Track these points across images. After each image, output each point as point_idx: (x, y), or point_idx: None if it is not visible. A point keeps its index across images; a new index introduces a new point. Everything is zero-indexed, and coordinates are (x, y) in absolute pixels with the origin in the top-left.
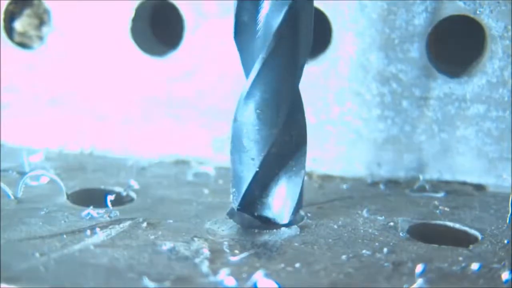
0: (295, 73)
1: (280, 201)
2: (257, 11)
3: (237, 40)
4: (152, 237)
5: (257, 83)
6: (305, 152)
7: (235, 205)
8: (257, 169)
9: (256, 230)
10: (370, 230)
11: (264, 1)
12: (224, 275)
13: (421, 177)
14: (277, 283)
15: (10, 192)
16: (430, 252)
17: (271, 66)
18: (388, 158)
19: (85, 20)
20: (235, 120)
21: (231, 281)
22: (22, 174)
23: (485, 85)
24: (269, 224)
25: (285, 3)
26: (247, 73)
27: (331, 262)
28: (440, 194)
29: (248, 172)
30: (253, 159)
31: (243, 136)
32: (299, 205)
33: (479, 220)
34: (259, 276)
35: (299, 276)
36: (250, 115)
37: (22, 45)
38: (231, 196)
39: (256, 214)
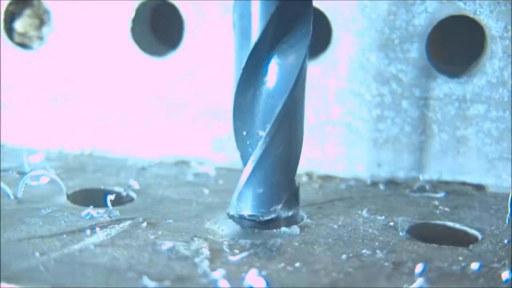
0: (294, 158)
1: None
2: (256, 96)
3: (235, 121)
4: (152, 236)
5: (257, 169)
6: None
7: None
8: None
9: (256, 230)
10: (370, 230)
11: (265, 87)
12: (219, 276)
13: (421, 177)
14: (266, 282)
15: (10, 192)
16: (430, 252)
17: (269, 155)
18: (388, 158)
19: (85, 21)
20: (233, 204)
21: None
22: (22, 174)
23: (485, 85)
24: (269, 224)
25: (286, 90)
26: (243, 157)
27: (331, 261)
28: (440, 194)
29: None
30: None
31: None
32: None
33: (479, 220)
34: (251, 274)
35: (299, 276)
36: (249, 199)
37: (22, 45)
38: None
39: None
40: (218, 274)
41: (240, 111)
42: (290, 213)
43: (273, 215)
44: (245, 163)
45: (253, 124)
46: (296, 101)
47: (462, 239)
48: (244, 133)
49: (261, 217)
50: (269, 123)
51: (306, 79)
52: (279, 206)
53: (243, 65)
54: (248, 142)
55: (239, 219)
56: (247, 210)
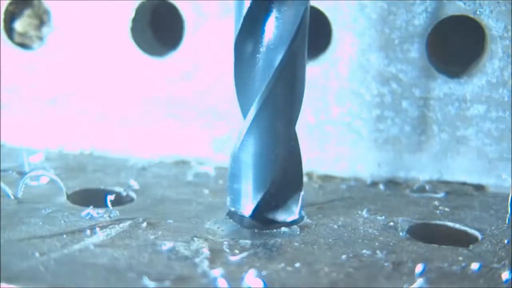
0: (293, 112)
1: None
2: (256, 50)
3: (236, 78)
4: (152, 237)
5: (255, 124)
6: (300, 195)
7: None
8: (257, 202)
9: (256, 230)
10: (370, 230)
11: (264, 41)
12: (218, 274)
13: (421, 177)
14: (264, 283)
15: (10, 192)
16: (430, 252)
17: (269, 107)
18: (388, 158)
19: (85, 21)
20: (233, 157)
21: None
22: (22, 174)
23: (485, 85)
24: (269, 224)
25: (285, 43)
26: (244, 112)
27: (331, 262)
28: (440, 194)
29: (246, 207)
30: (252, 193)
31: (242, 174)
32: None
33: (479, 220)
34: (250, 275)
35: (299, 276)
36: (249, 153)
37: (22, 45)
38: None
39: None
40: (218, 272)
41: (241, 64)
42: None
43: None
44: (245, 116)
45: (254, 77)
46: (296, 53)
47: (462, 239)
48: (245, 86)
49: None
50: (269, 75)
51: (307, 35)
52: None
53: (243, 17)
54: (249, 96)
55: (239, 219)
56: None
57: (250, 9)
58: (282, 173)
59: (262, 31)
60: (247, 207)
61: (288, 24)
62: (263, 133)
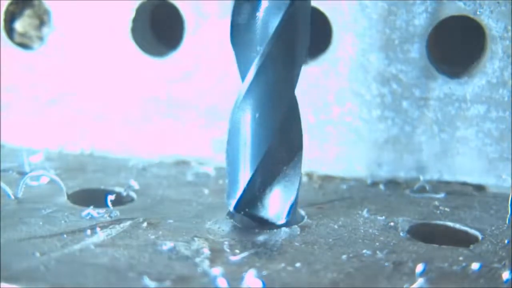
0: (292, 77)
1: (276, 201)
2: (254, 13)
3: (233, 43)
4: (153, 237)
5: (254, 85)
6: (301, 155)
7: (230, 205)
8: (253, 172)
9: (256, 230)
10: (370, 230)
11: (261, 4)
12: (218, 273)
13: (421, 177)
14: (263, 283)
15: (10, 192)
16: (430, 252)
17: (268, 69)
18: (388, 158)
19: (86, 21)
20: (231, 122)
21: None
22: (22, 174)
23: (485, 85)
24: (269, 224)
25: (282, 6)
26: (243, 75)
27: (332, 262)
28: (440, 195)
29: (244, 173)
30: (250, 159)
31: (239, 138)
32: (295, 206)
33: (479, 220)
34: (250, 275)
35: (299, 276)
36: (246, 117)
37: (23, 45)
38: (226, 196)
39: (251, 214)
40: (217, 271)
41: (238, 26)
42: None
43: None
44: (243, 78)
45: (252, 40)
46: (295, 14)
47: (462, 239)
48: (243, 50)
49: None
50: (267, 36)
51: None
52: None
53: None
54: (247, 58)
55: (239, 219)
56: None
57: None
58: (281, 138)
59: None
60: (244, 176)
61: None
62: (261, 96)
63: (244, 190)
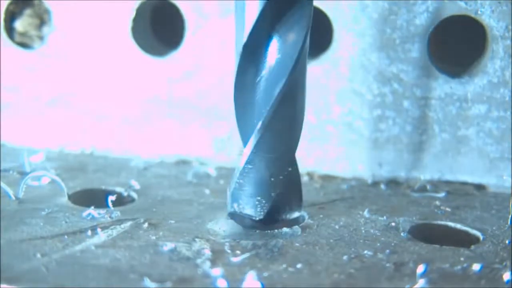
0: (294, 139)
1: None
2: (257, 75)
3: (236, 103)
4: (154, 237)
5: (258, 147)
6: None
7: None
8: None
9: (257, 231)
10: (371, 231)
11: (265, 67)
12: (218, 273)
13: (422, 177)
14: (262, 285)
15: (11, 193)
16: (431, 253)
17: (271, 132)
18: (389, 158)
19: (86, 20)
20: (233, 187)
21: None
22: (23, 174)
23: (486, 85)
24: (270, 224)
25: (286, 70)
26: (244, 136)
27: (333, 262)
28: (441, 194)
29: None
30: (251, 218)
31: (240, 201)
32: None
33: (480, 220)
34: (249, 277)
35: (300, 277)
36: (249, 182)
37: (23, 45)
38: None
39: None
40: (218, 271)
41: (241, 92)
42: (293, 215)
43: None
44: (245, 143)
45: (255, 105)
46: (296, 81)
47: (463, 240)
48: (246, 114)
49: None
50: (269, 104)
51: (307, 62)
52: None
53: (243, 45)
54: (249, 123)
55: (240, 219)
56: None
57: (250, 36)
58: (280, 197)
59: (263, 57)
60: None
61: (289, 49)
62: (263, 160)
63: None
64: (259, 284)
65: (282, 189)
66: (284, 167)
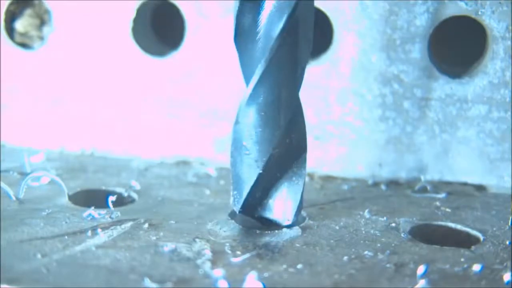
0: (296, 77)
1: (282, 203)
2: (258, 14)
3: (237, 43)
4: (154, 238)
5: (259, 86)
6: (305, 156)
7: (236, 207)
8: (260, 172)
9: (257, 231)
10: (372, 231)
11: (265, 5)
12: (220, 274)
13: (422, 178)
14: (263, 285)
15: (11, 193)
16: (432, 253)
17: (273, 69)
18: (389, 158)
19: (86, 20)
20: (236, 122)
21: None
22: (23, 174)
23: (487, 86)
24: (271, 225)
25: (287, 7)
26: (246, 76)
27: (333, 263)
28: (442, 195)
29: (250, 174)
30: (255, 161)
31: (245, 138)
32: (300, 206)
33: (481, 221)
34: (250, 278)
35: (301, 277)
36: (252, 117)
37: (23, 45)
38: (232, 198)
39: (257, 216)
40: (219, 272)
41: (242, 32)
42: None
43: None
44: (247, 83)
45: (255, 46)
46: (299, 18)
47: (464, 240)
48: (247, 55)
49: None
50: (270, 41)
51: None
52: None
53: None
54: (251, 63)
55: (241, 220)
56: None
57: None
58: (285, 140)
59: None
60: (249, 179)
61: None
62: (265, 100)
63: (250, 191)
64: (260, 285)
65: (286, 134)
66: (288, 108)
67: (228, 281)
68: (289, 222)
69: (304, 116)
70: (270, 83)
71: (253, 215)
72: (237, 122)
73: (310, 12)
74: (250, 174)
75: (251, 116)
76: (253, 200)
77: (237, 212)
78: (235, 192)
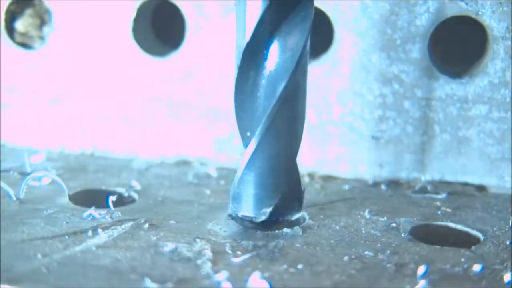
0: (294, 144)
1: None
2: (256, 82)
3: (236, 103)
4: (154, 238)
5: (258, 150)
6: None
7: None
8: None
9: (258, 231)
10: (372, 231)
11: (266, 68)
12: (223, 278)
13: (422, 178)
14: (270, 284)
15: (12, 193)
16: (432, 253)
17: (270, 139)
18: (389, 159)
19: (87, 20)
20: (234, 190)
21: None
22: (24, 174)
23: (487, 86)
24: (271, 225)
25: (286, 73)
26: (244, 142)
27: (334, 263)
28: (442, 195)
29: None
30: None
31: (242, 199)
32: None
33: (481, 221)
34: (254, 277)
35: (301, 277)
36: (248, 189)
37: (23, 45)
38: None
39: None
40: (222, 276)
41: (242, 96)
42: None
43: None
44: (246, 145)
45: (255, 109)
46: (297, 84)
47: (464, 240)
48: (246, 117)
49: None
50: (270, 106)
51: (307, 65)
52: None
53: (244, 48)
54: (250, 125)
55: (241, 220)
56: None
57: (251, 38)
58: (281, 202)
59: (264, 60)
60: None
61: (290, 52)
62: (264, 164)
63: None
64: (266, 284)
65: (284, 190)
66: (286, 170)
67: (229, 281)
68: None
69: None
70: (268, 149)
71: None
72: (234, 189)
73: (305, 81)
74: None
75: (248, 186)
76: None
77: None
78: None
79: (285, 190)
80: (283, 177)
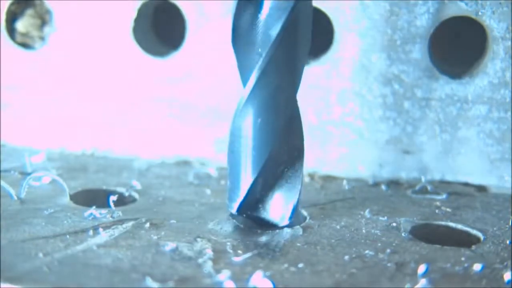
0: (294, 81)
1: (278, 204)
2: (256, 16)
3: (234, 45)
4: (155, 237)
5: (256, 90)
6: (303, 159)
7: (232, 208)
8: (257, 173)
9: (259, 231)
10: (372, 231)
11: (263, 7)
12: (225, 277)
13: (423, 178)
14: (273, 283)
15: (13, 193)
16: (432, 253)
17: (270, 73)
18: (390, 159)
19: (87, 20)
20: (233, 126)
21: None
22: (24, 174)
23: (487, 86)
24: (267, 226)
25: (285, 9)
26: (244, 78)
27: (334, 262)
28: (442, 195)
29: (246, 177)
30: (252, 163)
31: (241, 142)
32: (297, 207)
33: (481, 220)
34: (257, 277)
35: (302, 277)
36: (248, 121)
37: (24, 45)
38: (228, 199)
39: (253, 216)
40: (224, 276)
41: (240, 31)
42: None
43: None
44: (245, 84)
45: (253, 47)
46: (297, 19)
47: (464, 240)
48: (245, 54)
49: None
50: (269, 42)
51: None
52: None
53: None
54: (249, 64)
55: (241, 219)
56: None
57: None
58: (282, 143)
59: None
60: (245, 180)
61: None
62: (263, 101)
63: (246, 193)
64: (270, 284)
65: (283, 135)
66: (286, 110)
67: (231, 280)
68: (286, 223)
69: (302, 118)
70: (267, 84)
71: (249, 215)
72: (234, 126)
73: (309, 13)
74: (246, 175)
75: (248, 120)
76: (249, 201)
77: (234, 213)
78: (231, 193)
79: (285, 131)
80: (283, 113)
